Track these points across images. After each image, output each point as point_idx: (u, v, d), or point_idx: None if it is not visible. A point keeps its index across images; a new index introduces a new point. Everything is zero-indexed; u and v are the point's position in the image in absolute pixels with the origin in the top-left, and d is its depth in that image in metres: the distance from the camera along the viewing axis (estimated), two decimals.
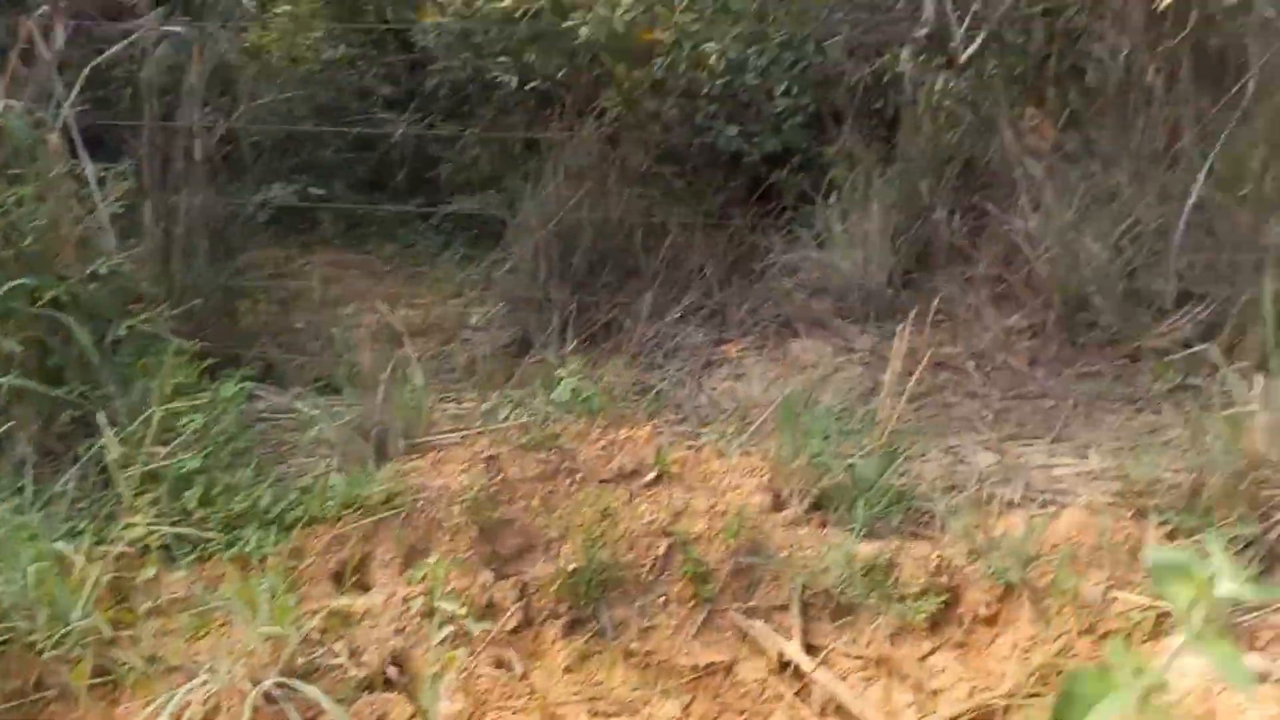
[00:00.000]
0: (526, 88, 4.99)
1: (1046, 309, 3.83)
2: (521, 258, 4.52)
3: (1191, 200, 3.97)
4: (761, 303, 4.27)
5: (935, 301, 4.08)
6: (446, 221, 5.87)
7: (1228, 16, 3.71)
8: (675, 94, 4.67)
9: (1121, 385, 3.55)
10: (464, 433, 2.99)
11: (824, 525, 2.77)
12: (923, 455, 3.19)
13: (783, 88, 4.66)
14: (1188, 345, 3.68)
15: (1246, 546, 2.55)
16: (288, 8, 6.87)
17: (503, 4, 3.32)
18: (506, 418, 3.08)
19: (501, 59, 4.64)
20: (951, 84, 4.52)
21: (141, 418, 2.83)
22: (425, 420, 3.07)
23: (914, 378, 3.28)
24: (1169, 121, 4.28)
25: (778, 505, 2.82)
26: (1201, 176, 3.90)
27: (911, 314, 3.92)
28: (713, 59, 4.14)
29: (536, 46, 4.14)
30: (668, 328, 4.25)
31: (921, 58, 4.74)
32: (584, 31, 3.18)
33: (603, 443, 2.89)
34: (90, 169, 3.10)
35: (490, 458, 2.79)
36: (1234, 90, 4.18)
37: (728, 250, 4.72)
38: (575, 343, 4.16)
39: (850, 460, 2.83)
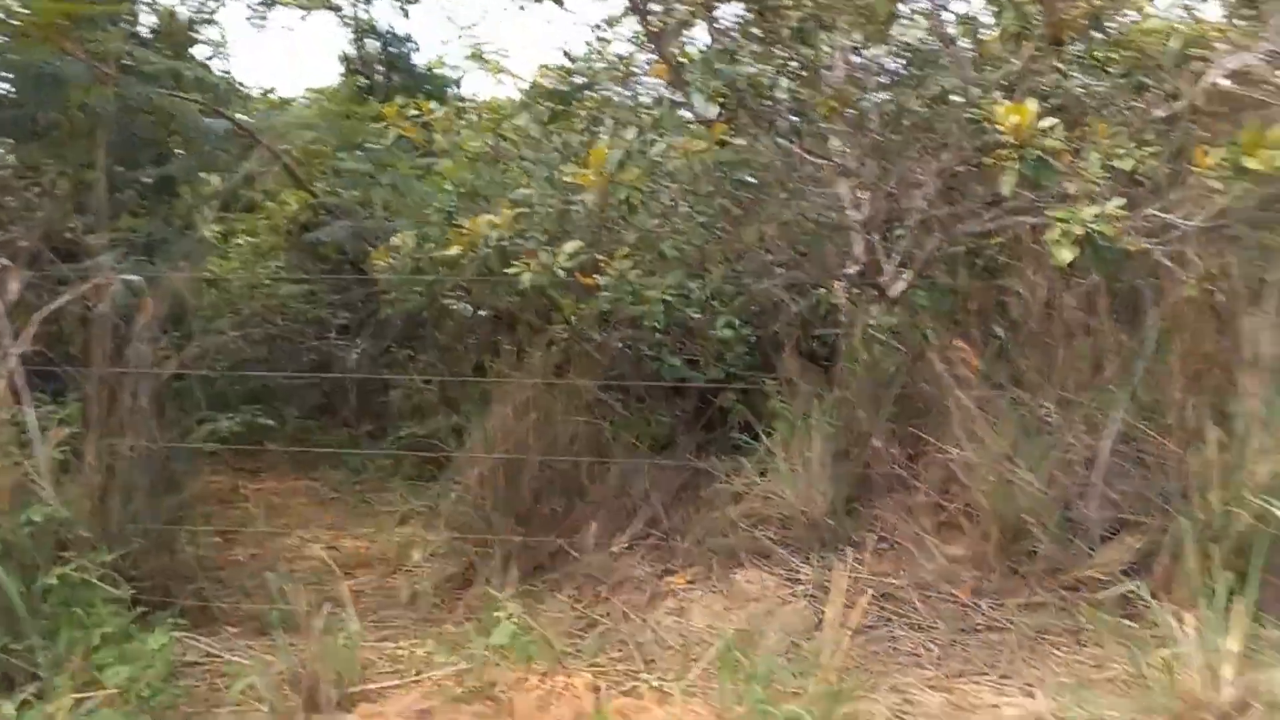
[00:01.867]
0: (479, 313, 5.17)
1: (986, 539, 3.88)
2: (468, 486, 4.53)
3: (1116, 428, 4.15)
4: (707, 532, 4.28)
5: (878, 530, 4.15)
6: (395, 447, 5.90)
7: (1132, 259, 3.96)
8: (620, 325, 4.84)
9: (1064, 618, 3.56)
10: (398, 683, 2.91)
11: None
12: (870, 695, 3.14)
13: (724, 320, 4.85)
14: (1126, 574, 3.75)
15: None
16: (249, 239, 7.12)
17: (449, 252, 3.47)
18: (444, 664, 3.01)
19: (454, 292, 4.83)
20: (883, 317, 4.73)
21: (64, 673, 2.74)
22: (359, 669, 2.98)
23: (858, 612, 3.28)
24: (1091, 352, 4.50)
25: None
26: (1121, 407, 4.08)
27: (854, 544, 3.98)
28: (653, 291, 4.32)
29: (484, 286, 4.32)
30: (614, 558, 4.23)
31: (855, 292, 5.00)
32: (526, 278, 3.32)
33: (540, 692, 2.82)
34: (32, 416, 3.11)
35: (423, 711, 2.70)
36: (1148, 325, 4.44)
37: (673, 477, 4.77)
38: (520, 575, 4.12)
39: (793, 708, 2.77)
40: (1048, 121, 2.48)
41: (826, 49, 4.32)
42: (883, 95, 4.78)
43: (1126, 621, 3.34)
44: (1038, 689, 3.13)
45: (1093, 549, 3.78)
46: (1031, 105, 2.47)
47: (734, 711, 2.77)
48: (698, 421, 5.16)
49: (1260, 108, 3.56)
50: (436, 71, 8.48)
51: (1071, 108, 3.88)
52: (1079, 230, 2.42)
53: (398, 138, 4.39)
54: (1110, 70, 3.83)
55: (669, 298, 3.76)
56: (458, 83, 8.95)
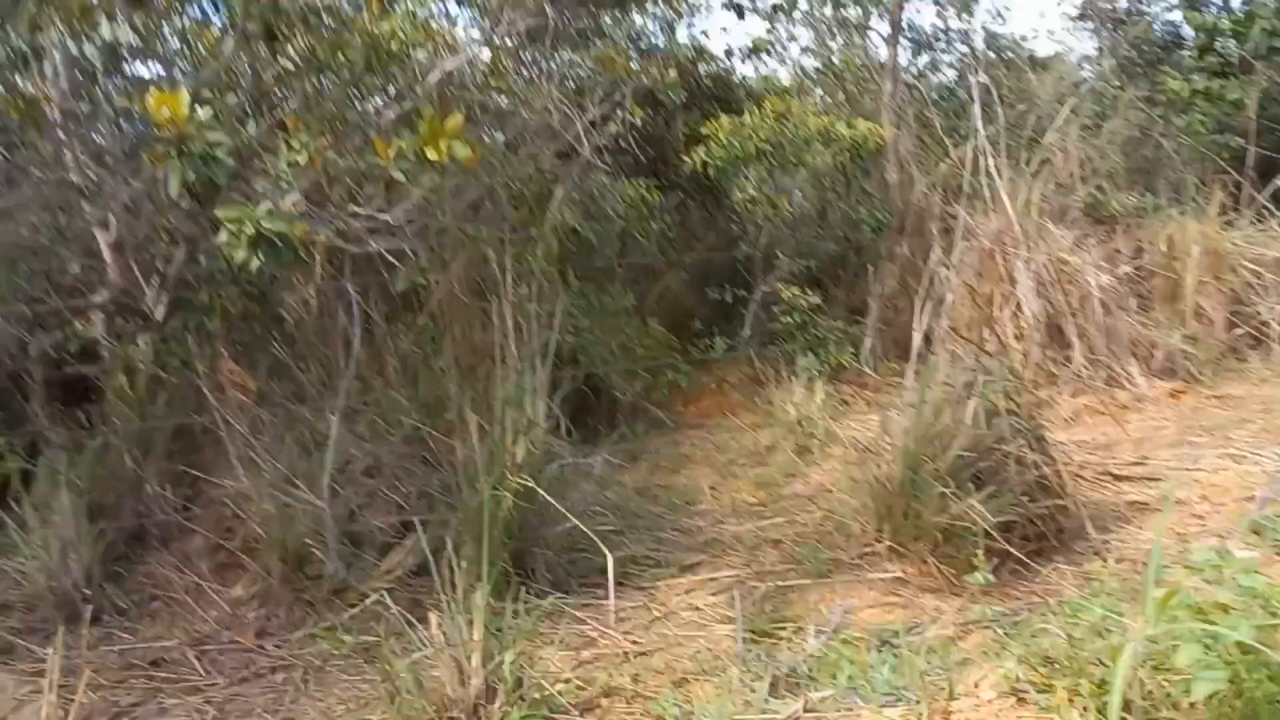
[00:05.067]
0: None
1: (270, 572, 3.59)
2: None
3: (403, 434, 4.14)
4: None
5: (149, 589, 3.66)
6: None
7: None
8: None
9: (353, 635, 3.40)
10: None
11: None
12: None
13: None
14: (415, 575, 3.71)
15: None
16: None
17: None
18: None
19: None
20: (146, 346, 4.21)
21: None
22: None
23: (82, 695, 2.78)
24: (371, 358, 4.45)
25: None
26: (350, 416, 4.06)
27: (119, 611, 3.45)
28: None
29: None
30: None
31: (118, 321, 4.39)
32: None
33: None
34: None
35: None
36: (418, 318, 4.50)
37: None
38: None
39: None
40: (205, 113, 2.24)
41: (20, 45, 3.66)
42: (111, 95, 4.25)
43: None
44: None
45: (380, 559, 3.70)
46: (185, 95, 2.20)
47: None
48: None
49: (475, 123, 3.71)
50: None
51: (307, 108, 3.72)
52: (251, 230, 2.22)
53: None
54: (334, 69, 3.75)
55: None
56: None
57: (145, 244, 4.42)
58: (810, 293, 6.34)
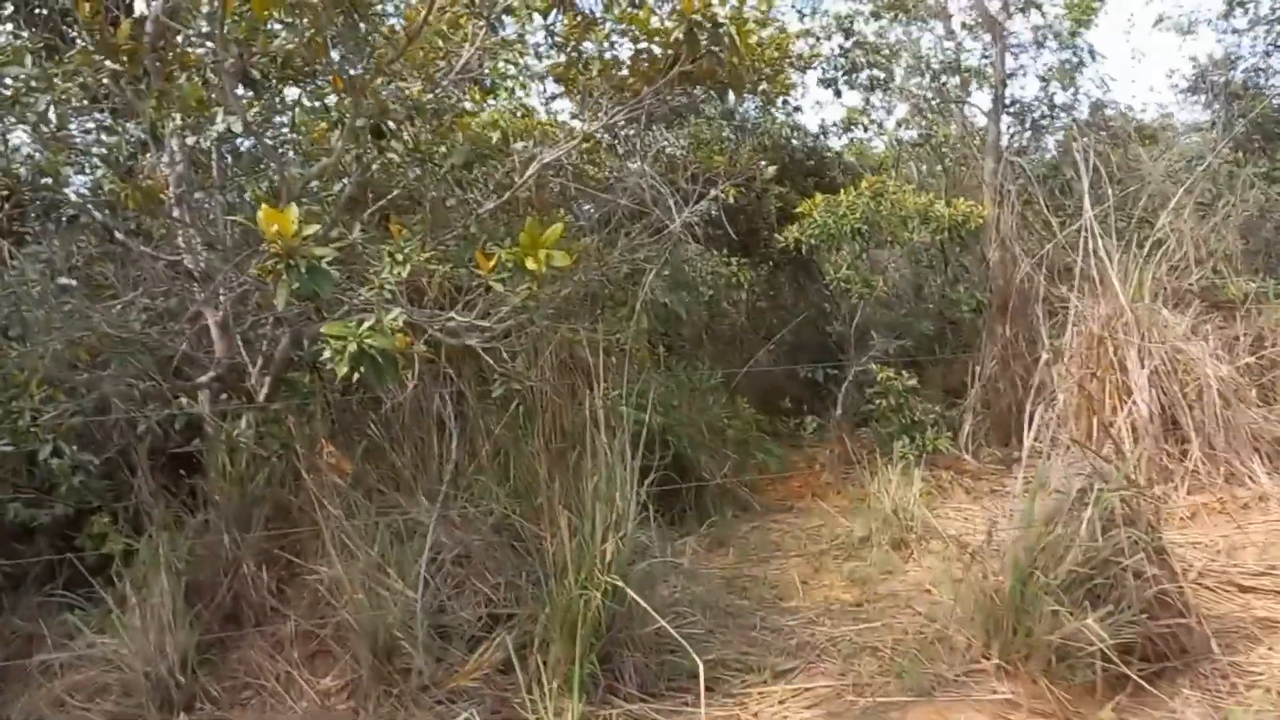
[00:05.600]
0: None
1: (359, 663, 3.57)
2: None
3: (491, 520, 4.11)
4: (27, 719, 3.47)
5: (242, 676, 3.67)
6: None
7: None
8: None
9: None
10: None
11: None
12: None
13: (48, 448, 4.06)
14: (501, 672, 3.66)
15: None
16: None
17: None
18: None
19: None
20: (250, 426, 4.29)
21: None
22: None
23: None
24: (464, 443, 4.45)
25: None
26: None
27: (211, 699, 3.46)
28: None
29: None
30: None
31: (223, 399, 4.49)
32: None
33: None
34: None
35: None
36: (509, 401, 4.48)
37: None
38: None
39: None
40: (310, 228, 2.26)
41: (135, 135, 3.82)
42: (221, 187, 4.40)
43: None
44: None
45: (468, 652, 3.65)
46: (294, 212, 2.23)
47: None
48: (47, 571, 4.26)
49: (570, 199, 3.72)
50: None
51: (402, 203, 3.78)
52: (354, 348, 2.22)
53: None
54: (437, 162, 3.80)
55: None
56: None
57: (251, 326, 4.55)
58: (906, 373, 6.17)
